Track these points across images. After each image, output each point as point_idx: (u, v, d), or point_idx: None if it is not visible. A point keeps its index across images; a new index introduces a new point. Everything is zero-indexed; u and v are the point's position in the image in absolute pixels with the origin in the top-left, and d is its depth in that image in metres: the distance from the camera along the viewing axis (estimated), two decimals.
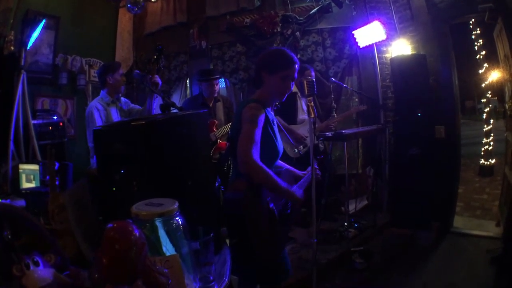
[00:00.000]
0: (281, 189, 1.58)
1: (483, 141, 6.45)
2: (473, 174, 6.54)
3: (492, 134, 6.45)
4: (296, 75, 1.67)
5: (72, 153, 4.30)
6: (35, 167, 2.76)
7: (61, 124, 4.19)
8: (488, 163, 6.29)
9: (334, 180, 3.73)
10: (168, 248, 0.95)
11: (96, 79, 3.58)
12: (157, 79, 2.67)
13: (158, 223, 0.91)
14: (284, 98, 1.70)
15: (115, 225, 0.73)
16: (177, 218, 0.95)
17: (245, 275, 1.73)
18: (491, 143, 6.40)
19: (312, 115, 1.70)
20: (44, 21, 3.90)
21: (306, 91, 1.64)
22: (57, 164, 2.31)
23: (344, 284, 2.98)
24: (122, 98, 2.95)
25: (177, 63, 4.95)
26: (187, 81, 5.09)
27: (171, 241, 0.96)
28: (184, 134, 1.37)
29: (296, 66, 1.67)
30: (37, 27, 3.79)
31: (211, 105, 3.39)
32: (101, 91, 2.83)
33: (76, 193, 1.19)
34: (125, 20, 5.35)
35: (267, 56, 1.70)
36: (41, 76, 4.29)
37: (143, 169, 1.22)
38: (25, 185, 2.75)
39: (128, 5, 4.70)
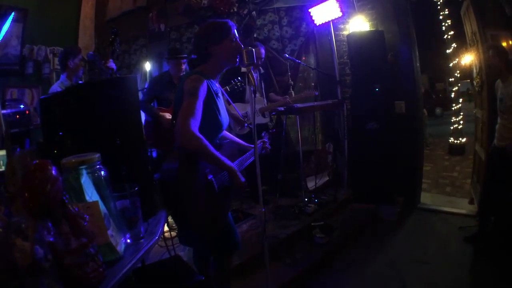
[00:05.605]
0: (219, 161, 1.55)
1: (452, 120, 6.50)
2: (442, 152, 6.61)
3: (461, 113, 6.50)
4: (235, 31, 1.72)
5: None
6: (2, 152, 2.77)
7: (27, 112, 4.18)
8: (458, 141, 6.34)
9: (294, 156, 3.73)
10: (92, 198, 1.04)
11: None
12: (111, 63, 2.70)
13: (81, 170, 1.04)
14: (237, 63, 1.71)
15: (37, 162, 0.85)
16: (98, 167, 1.08)
17: (194, 245, 1.76)
18: (461, 121, 6.44)
19: (252, 84, 1.69)
20: (13, 14, 3.92)
21: (245, 60, 1.64)
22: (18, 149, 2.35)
23: (305, 258, 2.95)
24: (81, 82, 3.09)
25: (137, 47, 4.94)
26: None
27: (100, 195, 1.07)
28: (112, 96, 1.43)
29: (232, 24, 1.73)
30: (6, 20, 3.84)
31: (177, 83, 3.36)
32: (61, 75, 2.96)
33: (25, 157, 1.25)
34: (87, 7, 5.33)
35: (209, 31, 1.71)
36: (10, 68, 4.34)
37: (77, 129, 1.33)
38: None
39: None
